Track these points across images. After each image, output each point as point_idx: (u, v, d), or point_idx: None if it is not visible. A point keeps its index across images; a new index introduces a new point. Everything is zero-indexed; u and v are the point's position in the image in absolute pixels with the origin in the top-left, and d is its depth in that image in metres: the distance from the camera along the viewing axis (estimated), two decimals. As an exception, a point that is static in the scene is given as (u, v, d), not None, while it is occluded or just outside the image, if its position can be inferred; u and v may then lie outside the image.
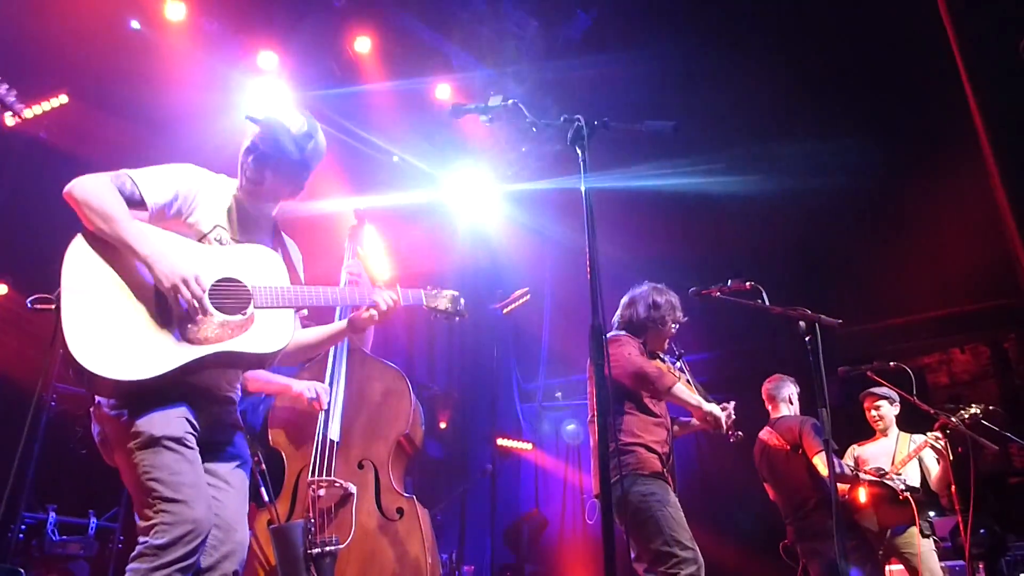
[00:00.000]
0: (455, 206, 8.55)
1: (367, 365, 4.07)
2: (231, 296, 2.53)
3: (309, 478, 3.71)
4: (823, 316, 3.53)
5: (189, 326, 2.45)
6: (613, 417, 3.89)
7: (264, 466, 3.76)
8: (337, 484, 3.70)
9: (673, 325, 4.31)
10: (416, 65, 7.46)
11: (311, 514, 3.63)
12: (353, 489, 3.71)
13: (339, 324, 2.87)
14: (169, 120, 6.58)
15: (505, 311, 5.84)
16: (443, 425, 8.48)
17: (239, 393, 2.77)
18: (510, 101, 2.99)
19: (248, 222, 2.75)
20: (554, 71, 7.90)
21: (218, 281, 2.52)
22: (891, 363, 5.04)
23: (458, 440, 8.96)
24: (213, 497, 2.48)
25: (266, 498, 3.70)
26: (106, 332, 2.35)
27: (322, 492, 3.67)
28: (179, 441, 2.39)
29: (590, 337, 2.51)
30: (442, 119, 7.68)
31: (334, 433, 3.80)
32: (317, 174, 2.89)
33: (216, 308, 2.48)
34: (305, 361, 3.24)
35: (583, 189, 2.68)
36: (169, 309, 2.45)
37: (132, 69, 6.33)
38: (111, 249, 2.44)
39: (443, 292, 2.95)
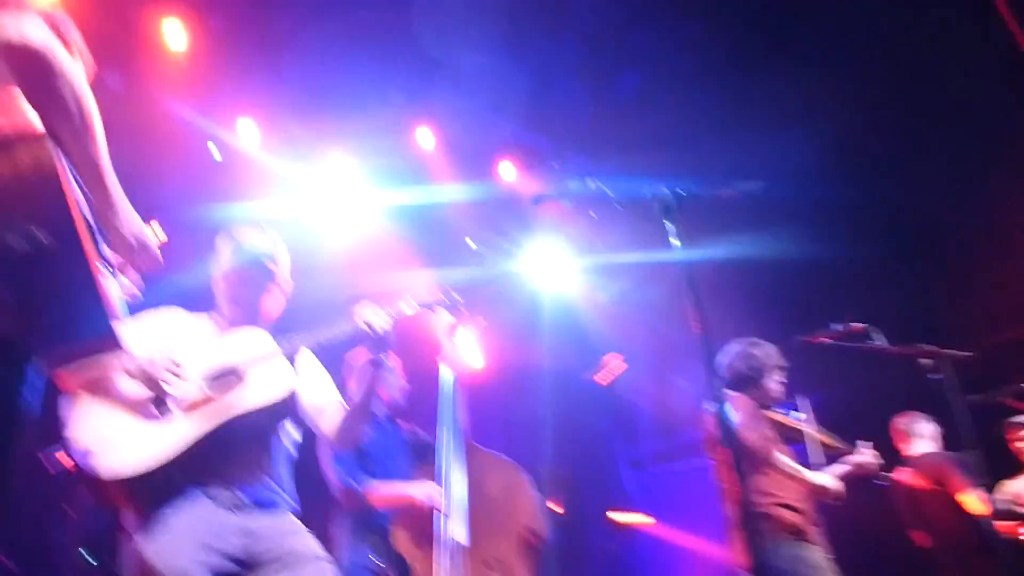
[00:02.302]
0: (535, 283, 8.49)
1: (478, 458, 3.97)
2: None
3: (441, 586, 3.60)
4: (951, 351, 3.35)
5: (174, 399, 2.43)
6: (746, 480, 3.71)
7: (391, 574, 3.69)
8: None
9: (777, 372, 4.18)
10: (476, 149, 7.57)
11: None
12: (489, 593, 3.60)
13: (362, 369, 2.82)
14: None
15: (606, 383, 5.66)
16: (557, 509, 8.23)
17: (285, 489, 2.67)
18: (591, 183, 2.97)
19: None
20: (611, 129, 7.87)
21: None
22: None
23: (571, 521, 8.69)
24: None
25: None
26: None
27: (457, 599, 3.57)
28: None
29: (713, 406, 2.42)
30: (506, 197, 7.72)
31: (460, 536, 3.67)
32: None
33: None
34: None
35: (678, 259, 2.60)
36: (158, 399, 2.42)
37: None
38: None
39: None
